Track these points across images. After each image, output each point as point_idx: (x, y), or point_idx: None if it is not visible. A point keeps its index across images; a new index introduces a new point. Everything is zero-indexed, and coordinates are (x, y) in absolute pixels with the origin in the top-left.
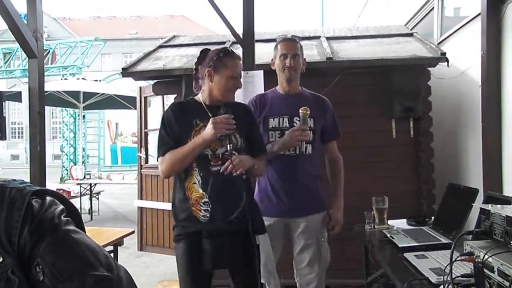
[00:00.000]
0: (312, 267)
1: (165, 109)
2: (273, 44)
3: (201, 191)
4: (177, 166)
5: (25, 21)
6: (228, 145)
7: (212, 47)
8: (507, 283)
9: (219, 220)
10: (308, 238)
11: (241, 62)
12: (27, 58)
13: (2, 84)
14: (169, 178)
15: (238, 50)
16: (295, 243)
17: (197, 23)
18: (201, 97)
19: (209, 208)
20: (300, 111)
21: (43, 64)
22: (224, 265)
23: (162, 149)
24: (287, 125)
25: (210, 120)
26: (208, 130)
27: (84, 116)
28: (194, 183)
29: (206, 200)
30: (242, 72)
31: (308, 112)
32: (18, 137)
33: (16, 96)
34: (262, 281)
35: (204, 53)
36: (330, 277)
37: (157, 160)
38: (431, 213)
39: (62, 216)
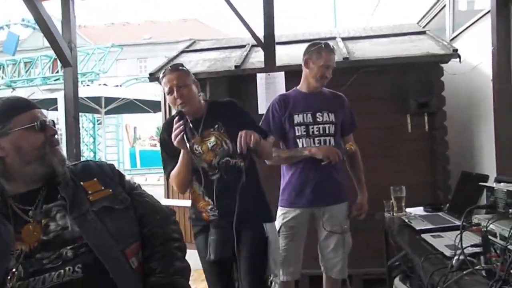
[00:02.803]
0: (337, 251)
1: (160, 131)
2: (290, 46)
3: (207, 199)
4: (179, 183)
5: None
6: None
7: (232, 51)
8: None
9: (228, 218)
10: (333, 225)
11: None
12: (46, 67)
13: (21, 92)
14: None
15: (259, 53)
16: (321, 230)
17: (210, 26)
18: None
19: (216, 213)
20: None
21: (77, 72)
22: (227, 253)
23: (166, 171)
24: (311, 120)
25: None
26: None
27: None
28: (199, 194)
29: (212, 206)
30: (265, 74)
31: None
32: None
33: (41, 103)
34: (270, 273)
35: None
36: (354, 266)
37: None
38: (448, 203)
39: None
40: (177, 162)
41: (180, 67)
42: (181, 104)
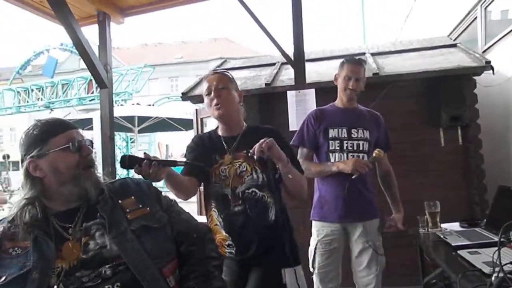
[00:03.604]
0: (370, 269)
1: (188, 144)
2: (320, 63)
3: (224, 233)
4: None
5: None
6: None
7: (263, 69)
8: None
9: (242, 256)
10: (366, 242)
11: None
12: (82, 88)
13: (58, 112)
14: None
15: (289, 71)
16: (353, 247)
17: (239, 44)
18: (219, 129)
19: (233, 251)
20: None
21: (112, 93)
22: None
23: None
24: (345, 136)
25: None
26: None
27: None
28: (216, 224)
29: (230, 242)
30: (295, 91)
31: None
32: None
33: (77, 123)
34: None
35: None
36: (389, 284)
37: None
38: (485, 218)
39: None
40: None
41: (225, 72)
42: (216, 106)
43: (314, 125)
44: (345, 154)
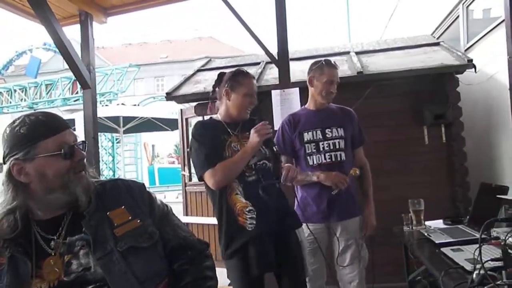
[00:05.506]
0: (353, 265)
1: (193, 129)
2: (305, 62)
3: (244, 200)
4: (231, 175)
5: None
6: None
7: (247, 68)
8: None
9: (265, 223)
10: (348, 239)
11: (255, 81)
12: (66, 88)
13: None
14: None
15: (273, 70)
16: (336, 245)
17: (224, 43)
18: (219, 116)
19: (254, 215)
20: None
21: (96, 93)
22: (269, 269)
23: (212, 162)
24: (320, 137)
25: (253, 130)
26: (253, 138)
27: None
28: (237, 194)
29: (251, 208)
30: (279, 91)
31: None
32: None
33: None
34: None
35: (221, 75)
36: (374, 281)
37: (200, 176)
38: (468, 215)
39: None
40: (217, 154)
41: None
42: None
43: (288, 132)
44: (322, 155)
